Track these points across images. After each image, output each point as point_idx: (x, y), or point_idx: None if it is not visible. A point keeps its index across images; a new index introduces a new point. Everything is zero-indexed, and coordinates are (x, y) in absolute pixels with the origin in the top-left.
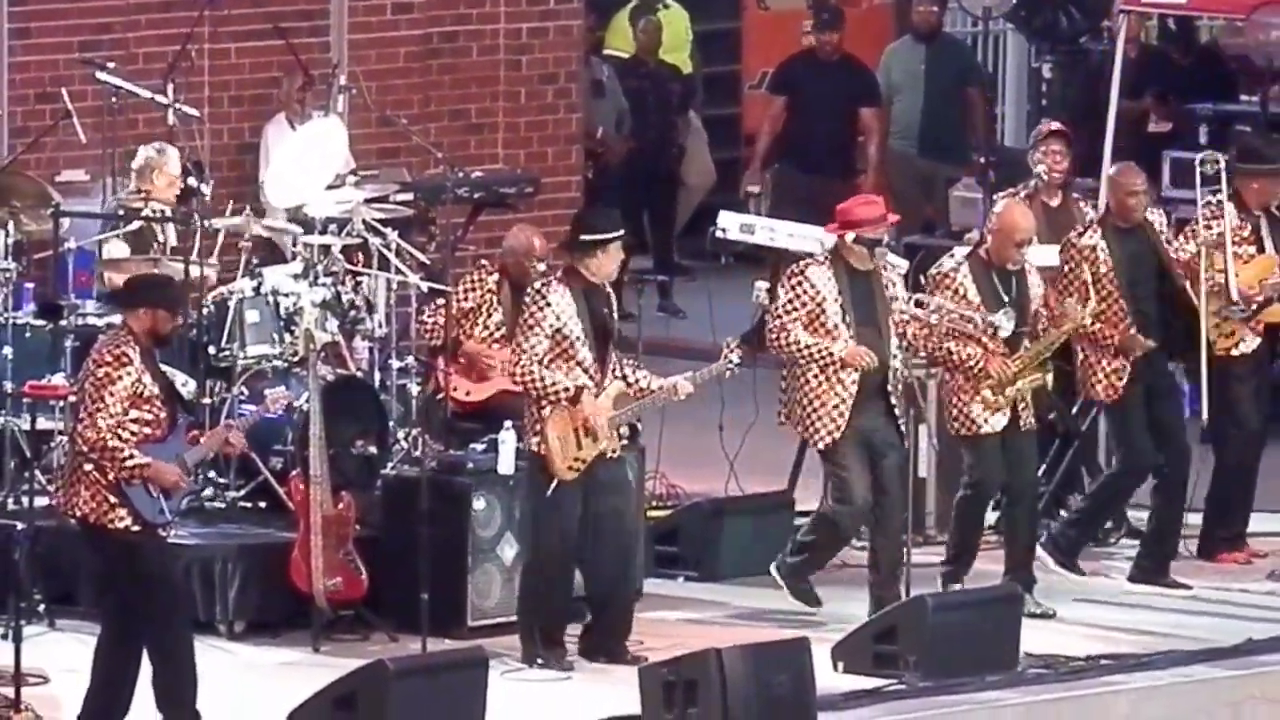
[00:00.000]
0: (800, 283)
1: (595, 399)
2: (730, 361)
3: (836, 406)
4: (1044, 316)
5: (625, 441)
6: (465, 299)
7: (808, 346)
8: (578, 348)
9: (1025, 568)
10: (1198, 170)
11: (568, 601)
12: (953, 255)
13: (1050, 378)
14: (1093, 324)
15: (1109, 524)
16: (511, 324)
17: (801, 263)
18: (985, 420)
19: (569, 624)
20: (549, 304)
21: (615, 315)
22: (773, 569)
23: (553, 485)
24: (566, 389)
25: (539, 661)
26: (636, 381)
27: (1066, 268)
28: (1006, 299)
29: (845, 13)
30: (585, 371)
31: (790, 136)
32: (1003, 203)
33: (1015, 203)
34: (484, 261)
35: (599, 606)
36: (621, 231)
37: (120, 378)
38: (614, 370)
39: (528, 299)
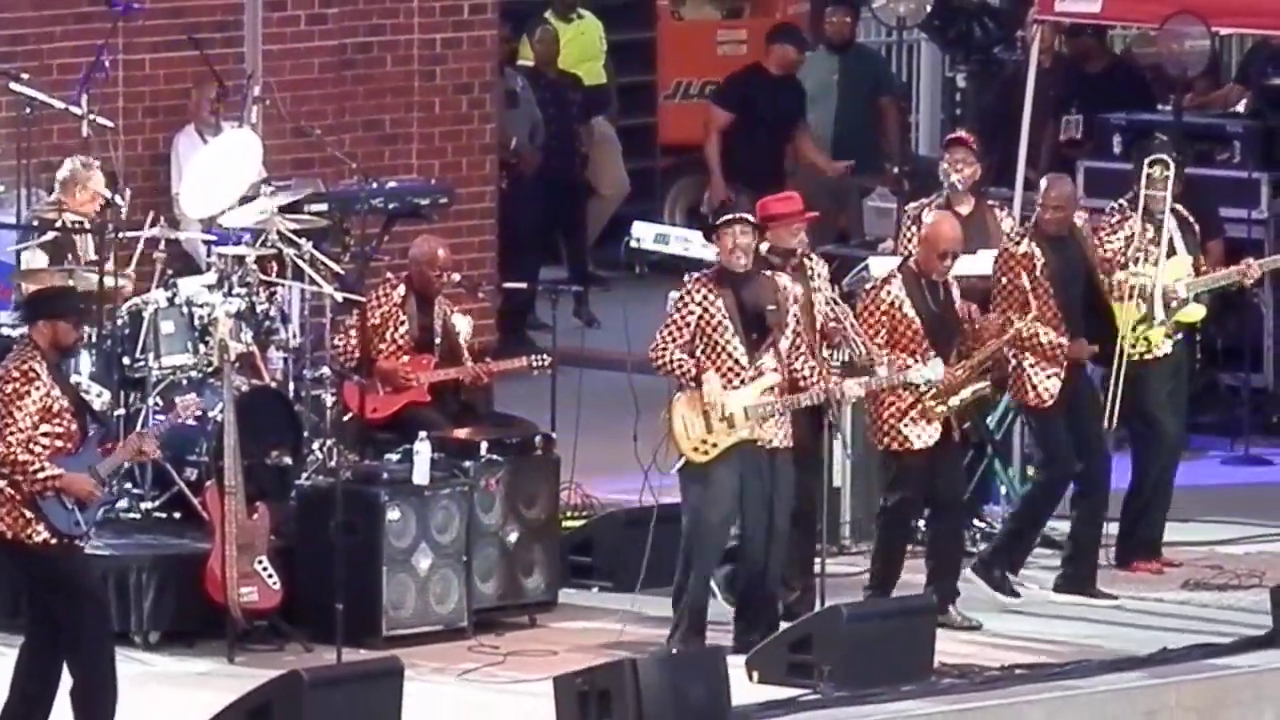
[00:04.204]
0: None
1: (721, 385)
2: (922, 371)
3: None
4: (969, 331)
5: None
6: (373, 315)
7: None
8: (727, 338)
9: (951, 579)
10: (1144, 171)
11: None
12: (866, 266)
13: (989, 385)
14: (1030, 331)
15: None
16: (418, 333)
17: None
18: (917, 436)
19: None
20: (694, 301)
21: (780, 302)
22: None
23: (679, 461)
24: (687, 370)
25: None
26: (801, 373)
27: (1005, 279)
28: (936, 309)
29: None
30: (736, 363)
31: (734, 152)
32: (934, 214)
33: (946, 215)
34: (390, 275)
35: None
36: (735, 215)
37: (28, 392)
38: (790, 361)
39: (678, 297)
